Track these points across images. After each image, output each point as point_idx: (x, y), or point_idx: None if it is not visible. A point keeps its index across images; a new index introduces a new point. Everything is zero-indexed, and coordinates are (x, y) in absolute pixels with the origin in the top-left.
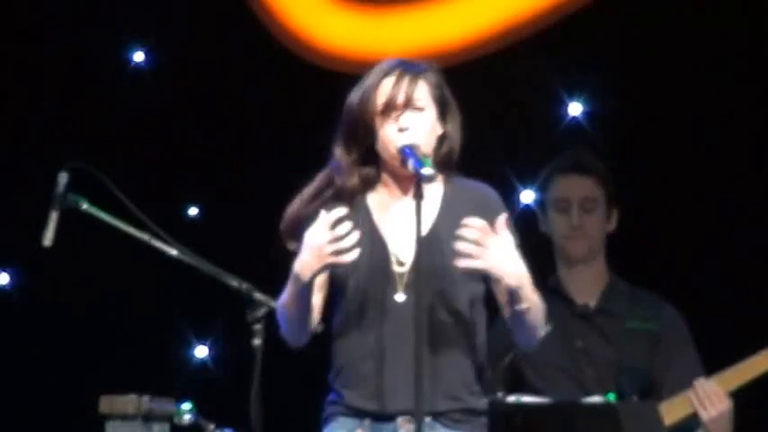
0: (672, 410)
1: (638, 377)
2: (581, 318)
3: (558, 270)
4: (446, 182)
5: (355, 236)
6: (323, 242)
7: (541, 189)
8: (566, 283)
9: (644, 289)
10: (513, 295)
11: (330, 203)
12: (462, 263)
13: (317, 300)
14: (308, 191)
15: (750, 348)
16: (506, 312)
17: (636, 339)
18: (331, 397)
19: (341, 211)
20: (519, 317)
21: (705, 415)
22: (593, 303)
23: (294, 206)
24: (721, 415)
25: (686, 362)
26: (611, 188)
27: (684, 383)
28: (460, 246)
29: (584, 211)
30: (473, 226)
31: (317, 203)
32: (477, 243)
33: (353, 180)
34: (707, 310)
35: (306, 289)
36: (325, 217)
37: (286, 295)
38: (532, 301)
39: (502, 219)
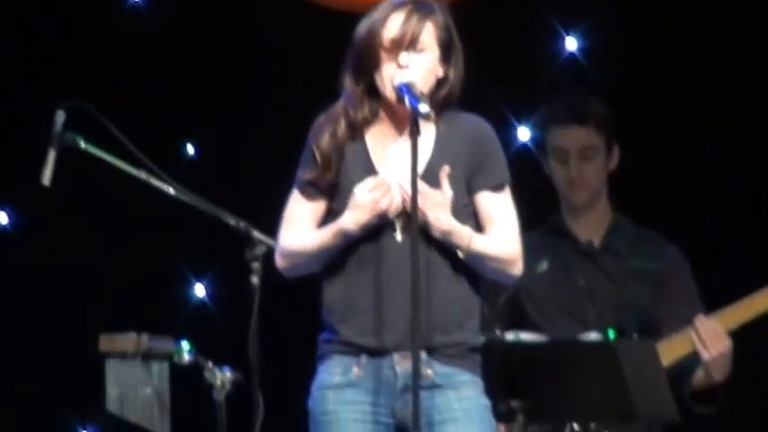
0: (672, 349)
1: (639, 316)
2: (584, 255)
3: (561, 209)
4: (438, 122)
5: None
6: (376, 197)
7: (540, 133)
8: (569, 224)
9: (647, 228)
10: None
11: (346, 135)
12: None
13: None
14: (328, 122)
15: (751, 287)
16: None
17: (639, 278)
18: (325, 335)
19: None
20: (469, 261)
21: (706, 354)
22: (597, 242)
23: (319, 139)
24: (721, 354)
25: (688, 302)
26: (610, 130)
27: (685, 323)
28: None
29: (582, 159)
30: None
31: (334, 136)
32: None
33: (364, 111)
34: (708, 247)
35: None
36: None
37: (320, 244)
38: (474, 251)
39: (444, 171)
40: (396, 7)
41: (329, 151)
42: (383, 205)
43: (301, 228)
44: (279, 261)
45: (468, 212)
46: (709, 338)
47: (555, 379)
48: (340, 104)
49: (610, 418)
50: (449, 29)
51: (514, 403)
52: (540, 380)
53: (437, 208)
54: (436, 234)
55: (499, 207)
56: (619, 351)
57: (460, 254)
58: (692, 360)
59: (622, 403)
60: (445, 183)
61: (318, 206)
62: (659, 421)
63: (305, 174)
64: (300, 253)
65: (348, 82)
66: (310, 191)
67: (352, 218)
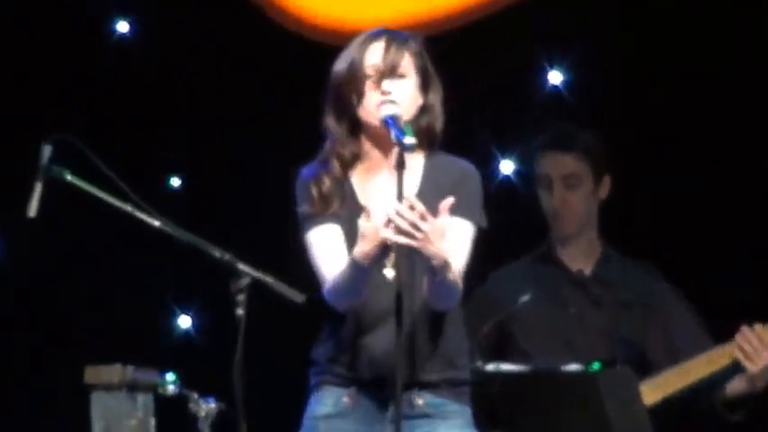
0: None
1: (630, 346)
2: (575, 284)
3: (550, 239)
4: (427, 157)
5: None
6: (378, 226)
7: (530, 163)
8: (559, 253)
9: (634, 260)
10: (435, 270)
11: (341, 173)
12: (394, 237)
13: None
14: (321, 165)
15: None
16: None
17: (629, 309)
18: (317, 367)
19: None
20: (437, 287)
21: (752, 366)
22: (588, 271)
23: (317, 180)
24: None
25: (686, 332)
26: (598, 159)
27: (684, 355)
28: (397, 220)
29: (566, 187)
30: (414, 205)
31: (332, 175)
32: (413, 224)
33: (352, 148)
34: (695, 280)
35: (366, 272)
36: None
37: (343, 278)
38: (446, 278)
39: (447, 202)
40: (373, 38)
41: (331, 189)
42: (380, 231)
43: (335, 257)
44: (329, 299)
45: None
46: (755, 351)
47: (536, 409)
48: (327, 146)
49: None
50: (424, 57)
51: None
52: (521, 410)
53: (440, 239)
54: (435, 264)
55: (457, 238)
56: (599, 381)
57: (437, 278)
58: (723, 374)
59: None
60: (445, 214)
61: (336, 228)
62: None
63: (306, 208)
64: (337, 290)
65: (331, 122)
66: (321, 219)
67: (359, 248)
